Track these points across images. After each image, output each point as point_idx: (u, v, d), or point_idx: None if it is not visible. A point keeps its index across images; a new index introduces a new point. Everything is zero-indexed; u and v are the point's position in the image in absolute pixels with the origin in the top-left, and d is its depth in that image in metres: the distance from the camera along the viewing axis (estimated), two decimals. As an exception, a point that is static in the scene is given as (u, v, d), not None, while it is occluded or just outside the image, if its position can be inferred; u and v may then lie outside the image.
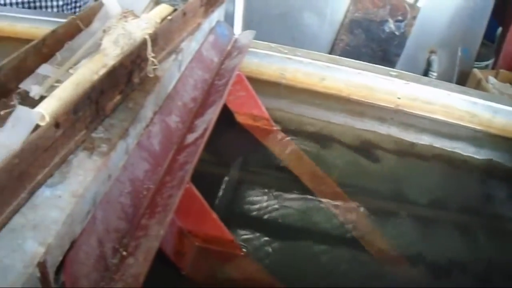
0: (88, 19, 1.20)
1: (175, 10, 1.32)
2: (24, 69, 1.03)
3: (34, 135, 0.80)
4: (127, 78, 1.02)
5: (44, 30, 1.36)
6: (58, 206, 0.80)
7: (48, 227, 0.76)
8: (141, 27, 1.08)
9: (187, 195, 1.02)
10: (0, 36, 1.88)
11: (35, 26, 1.87)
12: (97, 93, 0.93)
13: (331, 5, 2.81)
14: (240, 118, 1.63)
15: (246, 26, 1.85)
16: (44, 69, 1.04)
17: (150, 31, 1.08)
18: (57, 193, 0.82)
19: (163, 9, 1.30)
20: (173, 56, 1.20)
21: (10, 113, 0.91)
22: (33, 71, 1.04)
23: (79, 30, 1.17)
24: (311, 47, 1.95)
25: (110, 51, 1.04)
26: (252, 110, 1.60)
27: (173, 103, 1.17)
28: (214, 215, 1.16)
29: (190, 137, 1.16)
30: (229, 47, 1.56)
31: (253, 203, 1.43)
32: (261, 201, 1.43)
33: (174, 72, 1.20)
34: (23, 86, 1.01)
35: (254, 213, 1.39)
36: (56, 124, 0.84)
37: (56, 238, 0.76)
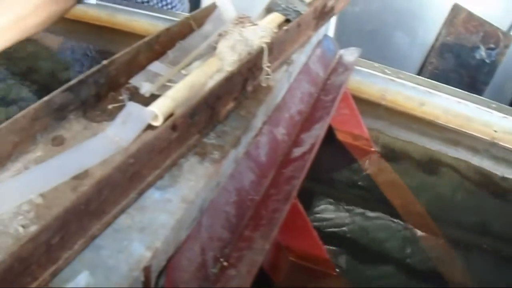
0: (200, 20, 1.18)
1: (286, 19, 1.29)
2: (135, 65, 1.02)
3: (151, 136, 0.78)
4: (241, 86, 1.00)
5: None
6: (167, 210, 0.77)
7: (156, 231, 0.74)
8: (258, 34, 1.06)
9: (292, 210, 0.99)
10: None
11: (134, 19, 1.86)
12: (214, 99, 0.91)
13: (424, 26, 2.78)
14: (340, 135, 1.60)
15: (337, 39, 1.82)
16: (155, 66, 1.03)
17: (267, 40, 1.06)
18: (167, 197, 0.80)
19: (275, 18, 1.27)
20: (285, 67, 1.18)
21: (118, 108, 0.91)
22: (143, 67, 1.03)
23: (191, 30, 1.16)
24: (400, 66, 1.91)
25: (227, 56, 1.01)
26: (353, 129, 1.56)
27: (280, 115, 1.15)
28: (315, 234, 1.13)
29: (297, 151, 1.13)
30: (334, 62, 1.52)
31: (339, 219, 1.39)
32: (347, 219, 1.40)
33: (284, 83, 1.17)
34: (134, 82, 1.00)
35: (337, 229, 1.36)
36: (173, 126, 0.82)
37: (164, 243, 0.73)
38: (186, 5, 2.32)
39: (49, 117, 0.88)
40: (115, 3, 1.78)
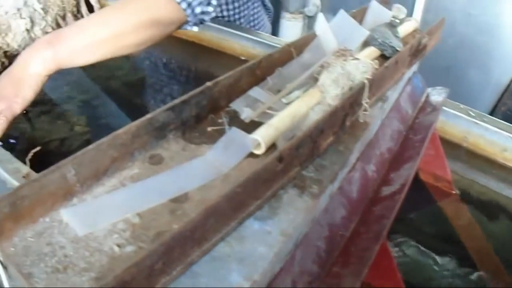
0: (300, 48, 1.18)
1: (381, 54, 1.28)
2: (236, 89, 1.02)
3: (260, 167, 0.77)
4: (342, 120, 0.99)
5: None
6: (266, 242, 0.76)
7: (255, 262, 0.73)
8: (360, 69, 1.04)
9: (380, 250, 0.97)
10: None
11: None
12: (318, 132, 0.89)
13: (500, 66, 2.74)
14: (422, 175, 1.57)
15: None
16: (256, 92, 1.03)
17: (369, 75, 1.04)
18: (266, 228, 0.79)
19: (372, 52, 1.26)
20: (379, 104, 1.16)
21: (217, 131, 0.91)
22: (243, 91, 1.03)
23: (290, 57, 1.15)
24: (472, 105, 1.87)
25: (329, 90, 1.00)
26: (436, 170, 1.54)
27: (372, 151, 1.13)
28: (399, 275, 1.11)
29: (386, 190, 1.11)
30: (422, 101, 1.50)
31: (411, 258, 1.37)
32: (419, 257, 1.38)
33: (378, 120, 1.15)
34: (234, 106, 0.99)
35: (409, 268, 1.34)
36: (280, 158, 0.81)
37: (261, 275, 0.72)
38: (269, 27, 2.32)
39: (149, 135, 0.88)
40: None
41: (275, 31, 3.44)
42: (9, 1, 1.61)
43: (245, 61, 1.65)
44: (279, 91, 1.05)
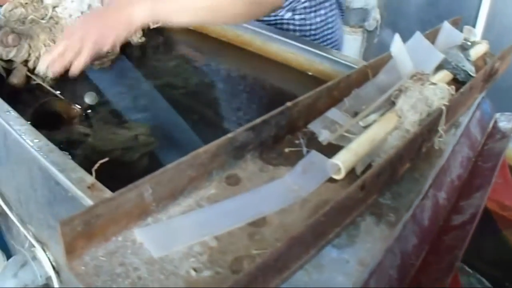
0: (376, 69, 1.17)
1: (453, 78, 1.26)
2: (314, 109, 1.02)
3: (343, 196, 0.76)
4: (419, 147, 0.98)
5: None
6: (344, 272, 0.76)
7: (334, 292, 0.72)
8: (437, 95, 1.03)
9: (452, 281, 0.96)
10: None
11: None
12: (397, 159, 0.89)
13: None
14: (488, 203, 1.55)
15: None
16: (333, 113, 1.03)
17: (446, 101, 1.03)
18: (344, 257, 0.78)
19: (445, 76, 1.24)
20: (452, 130, 1.15)
21: (295, 152, 0.91)
22: (321, 112, 1.03)
23: (366, 78, 1.15)
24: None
25: (408, 115, 1.00)
26: (504, 199, 1.51)
27: (443, 178, 1.12)
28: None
29: (456, 219, 1.09)
30: (490, 127, 1.48)
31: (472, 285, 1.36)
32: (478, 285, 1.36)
33: (451, 146, 1.14)
34: (312, 127, 0.99)
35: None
36: (362, 186, 0.80)
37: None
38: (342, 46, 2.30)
39: (228, 154, 0.87)
40: (270, 31, 1.77)
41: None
42: (73, 4, 1.62)
43: (312, 76, 1.64)
44: (355, 113, 1.05)
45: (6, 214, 1.37)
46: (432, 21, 2.90)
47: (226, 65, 1.86)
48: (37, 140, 1.06)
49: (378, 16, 3.16)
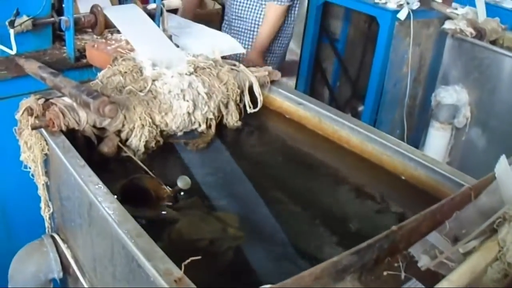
0: (479, 190, 1.14)
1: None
2: (416, 232, 1.00)
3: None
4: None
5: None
6: None
7: None
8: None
9: None
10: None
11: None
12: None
13: None
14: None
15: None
16: (434, 237, 1.01)
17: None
18: None
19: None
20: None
21: (393, 276, 0.89)
22: (422, 234, 1.01)
23: (468, 200, 1.11)
24: None
25: (511, 247, 0.96)
26: None
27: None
28: None
29: None
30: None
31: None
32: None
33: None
34: (413, 251, 0.97)
35: None
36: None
37: None
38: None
39: (330, 277, 0.85)
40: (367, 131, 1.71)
41: (419, 138, 3.39)
42: (173, 79, 1.60)
43: (367, 160, 1.60)
44: (455, 237, 1.02)
45: (77, 278, 1.36)
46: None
47: (320, 160, 1.80)
48: (125, 222, 1.05)
49: (468, 114, 3.10)
